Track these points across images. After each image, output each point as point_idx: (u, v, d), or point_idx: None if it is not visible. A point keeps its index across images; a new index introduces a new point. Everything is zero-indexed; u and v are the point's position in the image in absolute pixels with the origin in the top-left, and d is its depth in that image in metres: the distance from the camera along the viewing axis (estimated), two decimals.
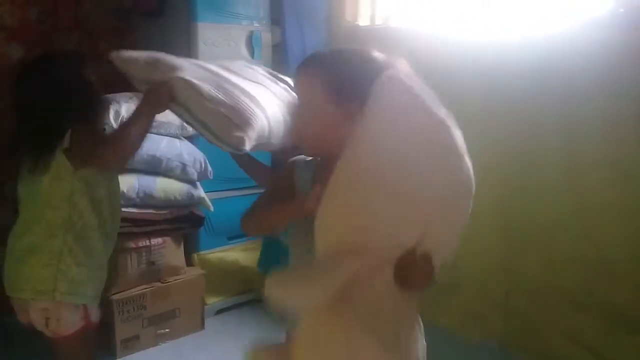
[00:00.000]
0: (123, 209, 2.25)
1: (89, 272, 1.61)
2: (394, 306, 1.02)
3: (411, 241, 0.98)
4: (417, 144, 0.96)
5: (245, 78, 1.67)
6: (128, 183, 2.26)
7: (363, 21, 2.95)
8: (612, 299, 2.08)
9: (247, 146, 1.44)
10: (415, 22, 2.73)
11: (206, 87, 1.45)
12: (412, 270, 0.98)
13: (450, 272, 2.59)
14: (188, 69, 1.53)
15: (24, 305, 1.61)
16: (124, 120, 2.03)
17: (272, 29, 2.88)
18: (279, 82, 1.80)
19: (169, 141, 2.37)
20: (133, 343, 2.36)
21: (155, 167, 2.33)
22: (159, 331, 2.43)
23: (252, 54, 2.77)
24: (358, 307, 0.97)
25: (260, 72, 1.82)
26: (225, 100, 1.45)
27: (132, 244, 2.33)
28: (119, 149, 1.57)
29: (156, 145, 2.31)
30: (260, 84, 1.69)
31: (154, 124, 2.19)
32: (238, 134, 1.42)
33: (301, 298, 0.96)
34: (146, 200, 2.32)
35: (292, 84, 1.81)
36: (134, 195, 2.27)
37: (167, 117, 2.21)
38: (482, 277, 2.48)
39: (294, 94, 1.71)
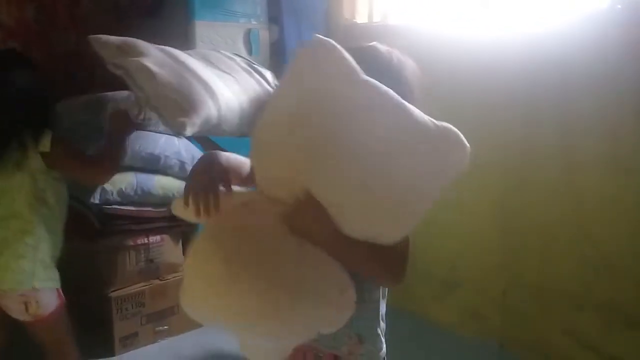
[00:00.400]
0: (122, 207, 2.27)
1: (55, 259, 1.78)
2: (282, 247, 1.04)
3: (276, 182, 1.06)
4: (324, 101, 0.99)
5: (214, 67, 1.81)
6: (126, 181, 2.25)
7: (361, 18, 2.94)
8: (611, 295, 2.08)
9: (189, 131, 1.57)
10: (413, 19, 2.74)
11: (162, 74, 1.58)
12: (297, 211, 1.03)
13: (449, 271, 2.60)
14: (154, 56, 1.64)
15: None
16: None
17: (269, 27, 2.88)
18: (254, 74, 1.91)
19: (167, 139, 2.37)
20: (132, 340, 2.36)
21: (153, 165, 2.33)
22: (157, 328, 2.44)
23: (250, 51, 2.76)
24: (241, 228, 1.07)
25: (238, 62, 1.94)
26: (177, 87, 1.57)
27: (130, 242, 2.34)
28: (111, 169, 1.86)
29: (154, 142, 2.31)
30: (229, 74, 1.82)
31: (152, 122, 2.21)
32: (182, 118, 1.54)
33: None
34: (144, 197, 2.32)
35: (269, 78, 1.94)
36: (132, 193, 2.27)
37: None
38: (481, 275, 2.49)
39: (267, 85, 1.88)
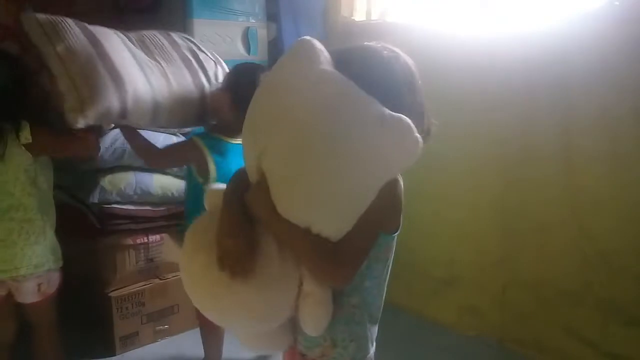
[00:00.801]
0: (121, 206, 2.27)
1: (56, 238, 1.89)
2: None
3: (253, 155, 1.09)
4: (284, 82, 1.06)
5: (149, 54, 1.87)
6: (126, 180, 2.25)
7: (359, 16, 2.94)
8: (609, 291, 2.09)
9: (80, 124, 1.62)
10: (412, 17, 2.74)
11: (73, 65, 1.63)
12: (250, 191, 1.08)
13: (448, 268, 2.60)
14: (72, 40, 1.69)
15: (7, 284, 1.79)
16: None
17: (267, 25, 2.89)
18: (193, 64, 1.97)
19: (165, 137, 2.36)
20: (132, 340, 2.37)
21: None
22: (157, 327, 2.44)
23: (248, 50, 2.77)
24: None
25: (181, 50, 2.00)
26: (82, 79, 1.62)
27: (130, 241, 2.33)
28: (91, 138, 1.86)
29: (153, 141, 2.30)
30: (159, 64, 1.87)
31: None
32: (75, 111, 1.60)
33: None
34: (144, 197, 2.32)
35: (210, 70, 2.00)
36: (131, 192, 2.27)
37: None
38: (479, 271, 2.49)
39: (204, 78, 1.95)
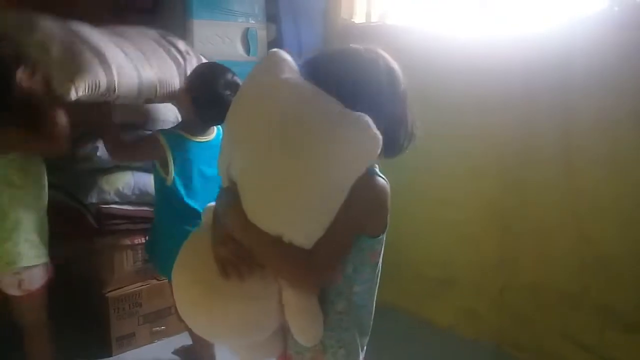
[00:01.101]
0: (119, 207, 2.26)
1: (42, 235, 1.85)
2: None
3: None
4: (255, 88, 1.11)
5: (119, 37, 1.93)
6: (124, 180, 2.25)
7: (359, 18, 2.95)
8: (607, 296, 2.09)
9: (73, 95, 1.65)
10: (411, 20, 2.74)
11: (54, 47, 1.69)
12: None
13: (445, 270, 2.60)
14: (48, 28, 1.76)
15: None
16: None
17: (267, 26, 2.88)
18: (163, 41, 2.07)
19: None
20: (129, 340, 2.36)
21: (151, 164, 2.32)
22: (154, 328, 2.43)
23: (247, 50, 2.77)
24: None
25: (155, 35, 2.09)
26: (66, 57, 1.68)
27: (127, 241, 2.32)
28: (56, 133, 1.77)
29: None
30: (134, 43, 1.94)
31: (150, 120, 2.21)
32: (67, 84, 1.64)
33: None
34: (142, 197, 2.31)
35: (181, 46, 2.08)
36: (129, 193, 2.26)
37: (163, 114, 2.22)
38: (477, 274, 2.49)
39: (178, 55, 2.02)
